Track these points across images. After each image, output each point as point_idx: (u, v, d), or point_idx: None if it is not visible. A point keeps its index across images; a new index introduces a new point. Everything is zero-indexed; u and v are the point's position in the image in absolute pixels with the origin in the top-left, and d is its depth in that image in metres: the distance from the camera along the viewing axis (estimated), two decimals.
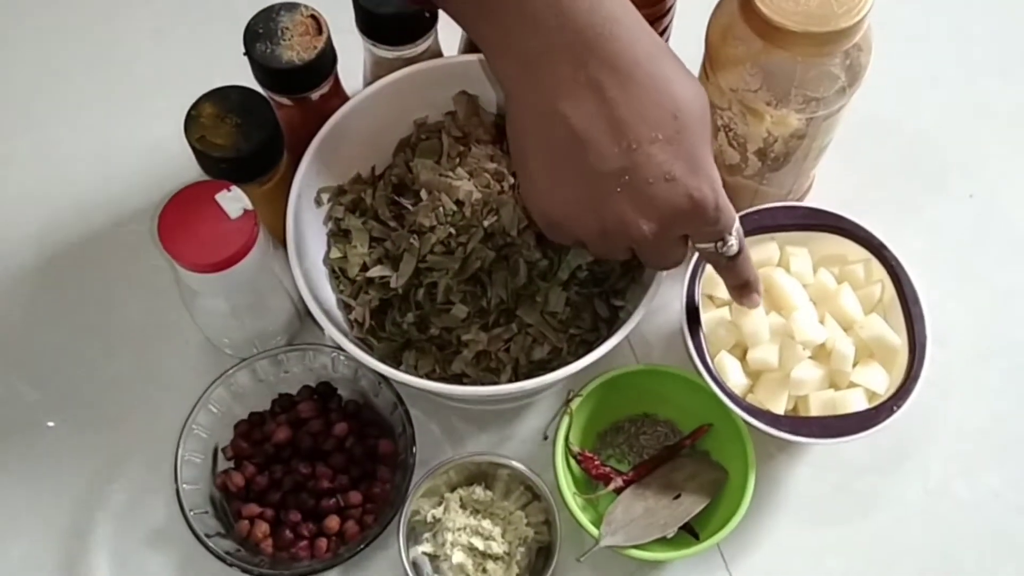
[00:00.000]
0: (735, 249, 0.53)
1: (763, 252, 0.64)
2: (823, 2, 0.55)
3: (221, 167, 0.59)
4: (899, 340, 0.62)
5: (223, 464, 0.63)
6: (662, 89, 0.48)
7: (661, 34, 0.65)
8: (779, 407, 0.61)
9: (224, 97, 0.60)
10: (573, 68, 0.47)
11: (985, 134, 0.76)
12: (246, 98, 0.60)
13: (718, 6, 0.60)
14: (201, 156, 0.59)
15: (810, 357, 0.62)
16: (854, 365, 0.61)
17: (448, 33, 0.67)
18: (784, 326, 0.62)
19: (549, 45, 0.47)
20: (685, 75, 0.49)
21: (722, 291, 0.64)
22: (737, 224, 0.52)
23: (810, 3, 0.55)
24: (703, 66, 0.62)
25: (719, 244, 0.52)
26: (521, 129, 0.50)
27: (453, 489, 0.62)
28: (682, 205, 0.49)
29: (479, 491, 0.61)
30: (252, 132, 0.59)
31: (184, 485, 0.59)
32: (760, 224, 0.64)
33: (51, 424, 0.66)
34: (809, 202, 0.70)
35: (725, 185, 0.65)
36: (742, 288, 0.57)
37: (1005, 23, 0.80)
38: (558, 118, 0.47)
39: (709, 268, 0.64)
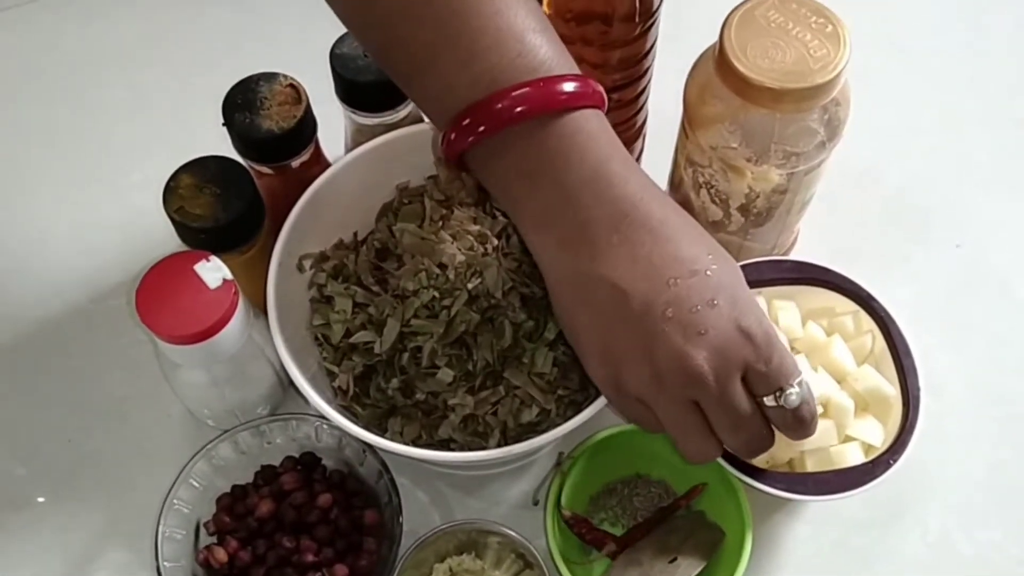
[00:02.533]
0: (796, 401, 0.50)
1: None
2: (799, 59, 0.55)
3: (200, 237, 0.58)
4: (893, 391, 0.61)
5: (205, 540, 0.61)
6: (692, 236, 0.50)
7: (639, 95, 0.65)
8: (784, 458, 0.61)
9: (203, 167, 0.60)
10: (607, 235, 0.49)
11: (969, 183, 0.76)
12: (225, 168, 0.60)
13: (695, 65, 0.60)
14: (180, 227, 0.59)
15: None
16: None
17: None
18: None
19: (586, 219, 0.49)
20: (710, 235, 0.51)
21: None
22: (802, 377, 0.50)
23: (786, 60, 0.55)
24: (682, 125, 0.62)
25: (778, 394, 0.50)
26: (567, 304, 0.51)
27: (442, 559, 0.61)
28: (729, 330, 0.48)
29: (468, 560, 0.60)
30: (231, 202, 0.59)
31: (165, 563, 0.58)
32: (746, 279, 0.64)
33: (41, 500, 0.65)
34: (795, 256, 0.70)
35: None
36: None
37: (982, 72, 0.81)
38: (599, 280, 0.49)
39: None
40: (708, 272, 0.49)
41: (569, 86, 0.49)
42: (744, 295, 0.50)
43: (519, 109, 0.48)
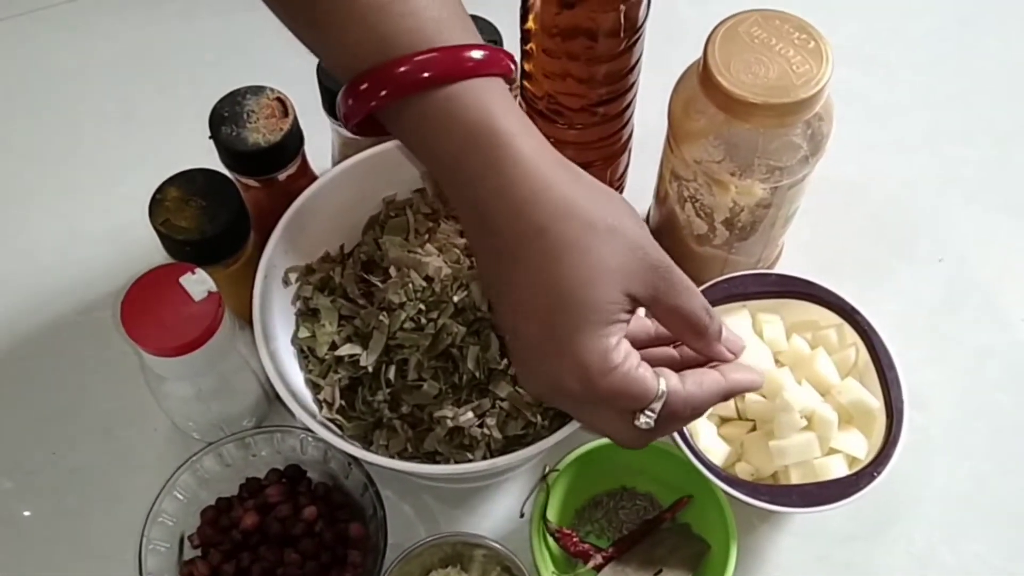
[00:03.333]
0: (645, 426, 0.48)
1: (735, 320, 0.64)
2: (782, 74, 0.55)
3: (186, 250, 0.58)
4: (877, 403, 0.61)
5: (190, 552, 0.61)
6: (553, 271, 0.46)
7: (625, 109, 0.65)
8: (769, 471, 0.61)
9: (189, 180, 0.60)
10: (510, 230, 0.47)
11: (952, 198, 0.77)
12: (211, 180, 0.60)
13: (680, 80, 0.61)
14: (166, 239, 0.59)
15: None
16: None
17: None
18: (776, 392, 0.61)
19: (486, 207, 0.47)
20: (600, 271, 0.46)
21: None
22: (659, 406, 0.47)
23: (769, 75, 0.55)
24: (667, 139, 0.63)
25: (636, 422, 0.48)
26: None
27: (427, 572, 0.60)
28: (554, 377, 0.47)
29: (454, 573, 0.60)
30: (217, 214, 0.59)
31: (149, 575, 0.57)
32: (731, 292, 0.64)
33: (27, 514, 0.65)
34: (779, 269, 0.70)
35: (694, 256, 0.67)
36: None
37: (965, 89, 0.82)
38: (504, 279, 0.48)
39: None
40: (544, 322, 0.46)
41: (478, 53, 0.47)
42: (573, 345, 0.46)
43: (425, 75, 0.46)
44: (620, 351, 0.47)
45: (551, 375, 0.47)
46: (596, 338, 0.46)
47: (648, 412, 0.47)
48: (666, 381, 0.48)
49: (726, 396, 0.50)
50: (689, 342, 0.51)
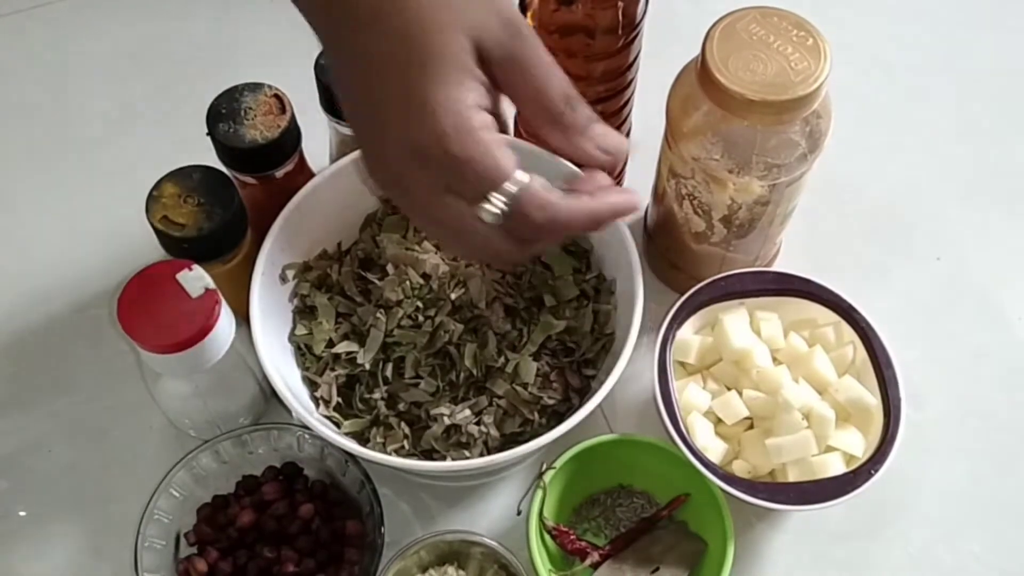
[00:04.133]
0: (490, 219, 0.44)
1: (733, 318, 0.64)
2: (780, 71, 0.55)
3: (183, 247, 0.58)
4: (875, 401, 0.61)
5: (186, 550, 0.61)
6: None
7: (623, 107, 0.65)
8: (766, 468, 0.61)
9: (186, 177, 0.60)
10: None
11: (948, 197, 0.77)
12: (208, 177, 0.60)
13: (678, 77, 0.61)
14: (163, 236, 0.59)
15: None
16: None
17: None
18: (774, 390, 0.61)
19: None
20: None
21: (694, 358, 0.64)
22: (510, 186, 0.44)
23: (767, 72, 0.55)
24: (665, 137, 0.62)
25: (481, 207, 0.44)
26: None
27: (424, 570, 0.60)
28: (404, 154, 0.44)
29: (451, 571, 0.60)
30: (214, 211, 0.59)
31: (145, 573, 0.57)
32: (728, 290, 0.64)
33: (23, 514, 0.64)
34: (777, 267, 0.70)
35: (692, 254, 0.67)
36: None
37: (963, 88, 0.82)
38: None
39: (680, 335, 0.63)
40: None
41: None
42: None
43: None
44: (477, 115, 0.44)
45: (406, 138, 0.43)
46: (451, 87, 0.43)
47: (497, 197, 0.44)
48: (528, 176, 0.44)
49: (595, 220, 0.46)
50: (548, 135, 0.47)
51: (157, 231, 0.59)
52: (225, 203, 0.59)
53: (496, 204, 0.44)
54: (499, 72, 0.45)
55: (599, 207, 0.46)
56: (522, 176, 0.44)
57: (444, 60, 0.43)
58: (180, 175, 0.60)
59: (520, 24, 0.45)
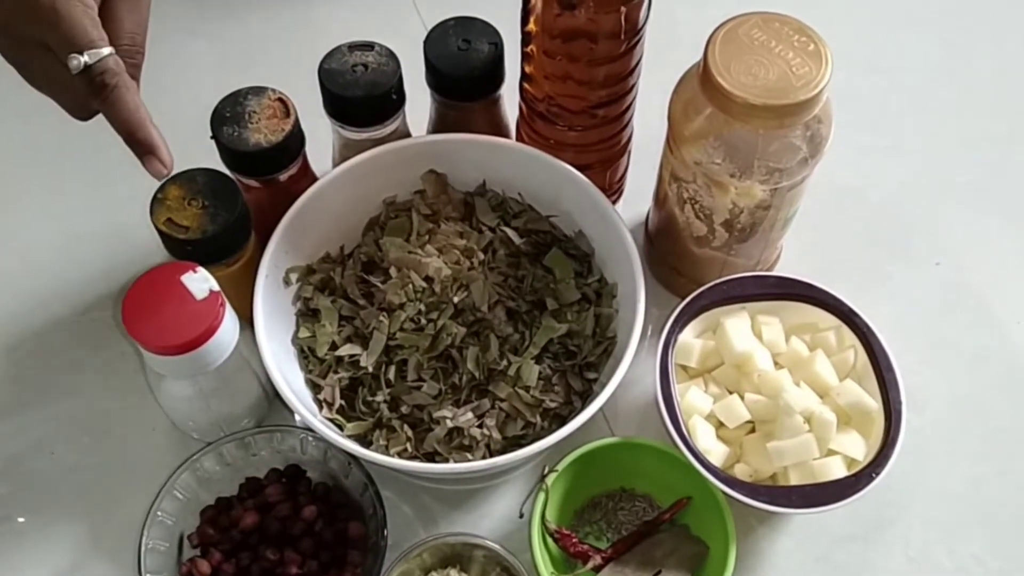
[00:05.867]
0: (78, 68, 0.50)
1: (735, 322, 0.64)
2: (781, 76, 0.56)
3: (187, 249, 0.58)
4: (875, 405, 0.61)
5: (189, 552, 0.61)
6: None
7: (625, 111, 0.66)
8: (767, 472, 0.61)
9: (190, 179, 0.60)
10: None
11: (948, 202, 0.77)
12: (213, 180, 0.60)
13: (680, 82, 0.61)
14: (167, 239, 0.59)
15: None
16: None
17: (416, 114, 0.67)
18: (775, 395, 0.61)
19: None
20: None
21: (696, 361, 0.65)
22: (103, 53, 0.51)
23: (769, 77, 0.56)
24: (667, 141, 0.63)
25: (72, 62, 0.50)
26: None
27: (427, 572, 0.60)
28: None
29: (454, 574, 0.60)
30: (219, 214, 0.59)
31: (148, 575, 0.57)
32: (730, 294, 0.64)
33: (21, 520, 0.64)
34: (778, 272, 0.71)
35: (694, 258, 0.67)
36: (131, 144, 0.54)
37: (963, 93, 0.82)
38: None
39: (681, 339, 0.64)
40: None
41: None
42: None
43: None
44: None
45: None
46: None
47: (85, 55, 0.50)
48: (111, 51, 0.51)
49: (128, 125, 0.52)
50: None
51: (161, 233, 0.59)
52: (229, 206, 0.59)
53: (81, 60, 0.50)
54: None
55: (137, 123, 0.53)
56: (108, 50, 0.51)
57: None
58: (184, 178, 0.60)
59: None
